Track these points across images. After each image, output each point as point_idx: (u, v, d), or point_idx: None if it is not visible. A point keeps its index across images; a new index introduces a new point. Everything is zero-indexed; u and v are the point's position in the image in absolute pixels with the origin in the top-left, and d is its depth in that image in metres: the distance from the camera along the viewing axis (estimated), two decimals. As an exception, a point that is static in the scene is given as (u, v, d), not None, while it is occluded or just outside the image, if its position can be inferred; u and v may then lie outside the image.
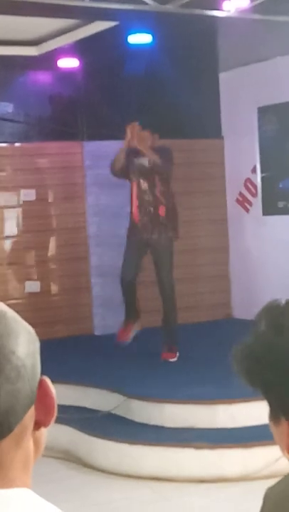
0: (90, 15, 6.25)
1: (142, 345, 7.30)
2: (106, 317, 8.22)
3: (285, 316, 1.29)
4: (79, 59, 7.93)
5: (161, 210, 6.72)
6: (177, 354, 6.73)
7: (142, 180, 6.72)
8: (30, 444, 1.00)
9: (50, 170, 8.26)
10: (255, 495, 1.52)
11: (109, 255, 7.97)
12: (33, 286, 8.18)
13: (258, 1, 5.82)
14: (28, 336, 1.00)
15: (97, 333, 8.25)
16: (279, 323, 1.28)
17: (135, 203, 6.74)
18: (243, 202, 8.70)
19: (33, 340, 1.00)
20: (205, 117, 8.66)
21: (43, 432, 1.02)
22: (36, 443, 1.01)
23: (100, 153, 8.12)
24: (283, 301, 1.32)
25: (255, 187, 8.53)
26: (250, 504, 1.96)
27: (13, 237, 8.15)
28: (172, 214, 6.78)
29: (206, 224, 8.75)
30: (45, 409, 1.00)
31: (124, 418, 5.79)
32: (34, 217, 8.19)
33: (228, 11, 5.88)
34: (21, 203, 8.16)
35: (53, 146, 8.27)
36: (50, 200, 8.29)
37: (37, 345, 1.01)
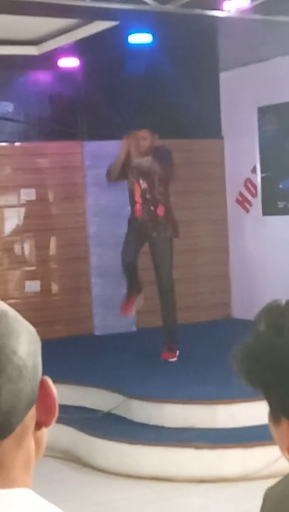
0: (90, 15, 6.25)
1: (142, 345, 7.30)
2: (106, 317, 8.22)
3: (285, 317, 1.29)
4: (79, 59, 7.92)
5: (160, 210, 6.73)
6: (177, 354, 6.73)
7: (141, 180, 6.73)
8: (31, 444, 1.00)
9: (50, 170, 8.26)
10: (255, 495, 1.52)
11: (109, 255, 7.97)
12: (33, 285, 8.18)
13: (258, 1, 5.82)
14: (29, 335, 1.00)
15: (97, 333, 8.25)
16: (279, 323, 1.28)
17: (138, 200, 6.75)
18: (243, 202, 8.70)
19: (34, 340, 1.00)
20: (205, 117, 8.66)
21: (44, 432, 1.02)
22: (37, 443, 1.01)
23: (100, 153, 8.12)
24: (283, 302, 1.32)
25: (255, 187, 8.53)
26: (250, 504, 1.97)
27: (13, 236, 8.15)
28: (170, 214, 6.79)
29: (206, 224, 8.76)
30: (47, 409, 1.00)
31: (124, 418, 5.79)
32: (34, 217, 8.19)
33: (229, 11, 5.88)
34: (21, 202, 8.16)
35: (53, 146, 8.27)
36: (50, 200, 8.29)
37: (38, 344, 1.01)
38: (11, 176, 8.13)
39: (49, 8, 5.70)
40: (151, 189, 6.71)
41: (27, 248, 8.21)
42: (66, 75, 8.18)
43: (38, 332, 1.03)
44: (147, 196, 6.72)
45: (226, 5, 5.86)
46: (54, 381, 1.03)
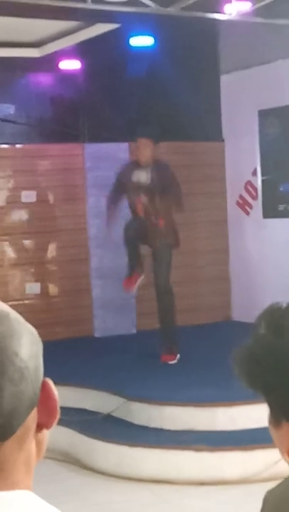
0: (91, 17, 6.26)
1: (142, 347, 7.30)
2: (106, 319, 8.22)
3: (286, 319, 1.29)
4: (80, 61, 7.94)
5: (161, 222, 6.69)
6: (177, 356, 6.73)
7: (142, 195, 6.69)
8: (32, 446, 1.00)
9: (51, 171, 8.27)
10: (254, 497, 1.52)
11: (110, 257, 7.97)
12: (33, 287, 8.18)
13: (259, 4, 5.83)
14: (31, 337, 1.00)
15: (97, 335, 8.25)
16: (279, 325, 1.28)
17: (142, 214, 6.74)
18: (244, 204, 8.70)
19: (36, 342, 1.00)
20: (206, 120, 8.66)
21: (45, 433, 1.02)
22: (38, 445, 1.01)
23: (100, 155, 8.12)
24: (284, 304, 1.32)
25: (256, 190, 8.53)
26: (250, 507, 1.97)
27: (13, 238, 8.15)
28: (171, 226, 6.74)
29: (207, 226, 8.76)
30: (48, 411, 1.00)
31: (124, 420, 5.79)
32: (35, 218, 8.19)
33: (230, 13, 5.89)
34: (22, 204, 8.16)
35: (54, 148, 8.28)
36: (50, 202, 8.29)
37: (40, 346, 1.01)
38: (11, 178, 8.14)
39: (51, 10, 5.71)
40: (152, 203, 6.68)
41: (27, 250, 8.21)
42: (67, 77, 8.19)
43: (38, 334, 1.03)
44: (148, 210, 6.69)
45: (227, 8, 5.86)
46: (54, 383, 1.03)
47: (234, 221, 8.81)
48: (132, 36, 7.01)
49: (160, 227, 6.69)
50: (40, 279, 8.22)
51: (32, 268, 8.21)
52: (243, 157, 8.59)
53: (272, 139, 8.31)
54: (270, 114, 8.24)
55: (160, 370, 6.50)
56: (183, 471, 5.18)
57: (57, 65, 7.95)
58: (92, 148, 8.25)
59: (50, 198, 8.29)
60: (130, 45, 7.14)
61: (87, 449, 5.59)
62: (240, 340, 1.32)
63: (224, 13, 5.93)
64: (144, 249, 6.80)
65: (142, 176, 6.71)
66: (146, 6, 5.70)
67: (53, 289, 8.31)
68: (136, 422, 5.72)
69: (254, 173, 8.50)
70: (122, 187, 6.84)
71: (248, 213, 8.67)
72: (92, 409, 6.04)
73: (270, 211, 8.37)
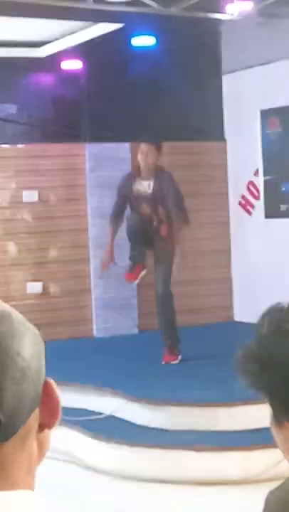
0: (93, 17, 6.26)
1: (143, 348, 7.29)
2: (107, 319, 8.22)
3: (288, 320, 1.29)
4: (82, 61, 7.93)
5: (163, 230, 6.65)
6: (179, 357, 6.73)
7: (143, 206, 6.65)
8: (34, 446, 1.00)
9: (53, 172, 8.27)
10: (256, 498, 1.52)
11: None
12: (34, 287, 8.19)
13: (261, 4, 5.82)
14: (33, 337, 1.00)
15: (98, 335, 8.25)
16: (282, 326, 1.28)
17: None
18: (246, 205, 8.69)
19: (38, 342, 1.00)
20: (208, 120, 8.65)
21: (47, 434, 1.02)
22: (40, 445, 1.01)
23: (102, 156, 8.12)
24: (286, 305, 1.32)
25: (258, 190, 8.53)
26: (252, 507, 1.96)
27: (14, 238, 8.15)
28: (172, 235, 6.66)
29: (209, 226, 8.75)
30: (50, 411, 1.00)
31: (125, 420, 5.79)
32: (36, 218, 8.19)
33: (232, 14, 5.89)
34: (23, 204, 8.16)
35: (55, 148, 8.28)
36: (52, 202, 8.29)
37: (42, 347, 1.01)
38: (13, 178, 8.14)
39: (52, 10, 5.71)
40: (155, 212, 6.64)
41: (29, 250, 8.21)
42: (69, 77, 8.19)
43: (40, 334, 1.03)
44: (148, 226, 6.61)
45: (229, 8, 5.86)
46: (55, 383, 1.03)
47: (236, 221, 8.80)
48: (133, 36, 7.00)
49: (162, 235, 6.64)
50: (42, 278, 8.23)
51: (33, 268, 8.21)
52: (245, 157, 8.59)
53: (275, 138, 8.30)
54: (272, 114, 8.24)
55: (161, 371, 6.50)
56: (184, 472, 5.18)
57: (59, 65, 7.94)
58: (94, 149, 8.25)
59: (52, 198, 8.29)
60: (132, 45, 7.14)
61: (88, 449, 5.59)
62: (242, 341, 1.32)
63: (226, 13, 5.92)
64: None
65: (143, 186, 6.68)
66: (148, 6, 5.70)
67: (54, 288, 8.31)
68: (137, 422, 5.72)
69: (256, 173, 8.49)
70: (124, 199, 6.80)
71: (250, 213, 8.66)
72: (93, 409, 6.04)
73: (273, 211, 8.36)
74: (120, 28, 6.63)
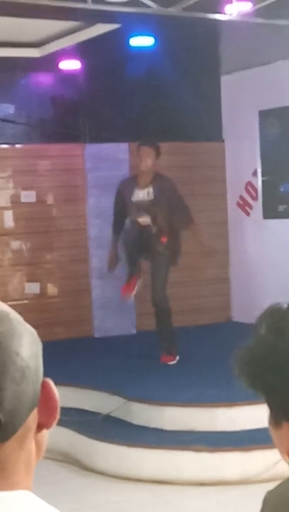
0: (92, 17, 6.26)
1: (142, 348, 7.29)
2: (106, 319, 8.22)
3: (286, 320, 1.29)
4: (81, 61, 7.93)
5: (163, 238, 6.61)
6: (177, 357, 6.72)
7: (141, 217, 6.63)
8: (32, 446, 1.00)
9: (51, 172, 8.26)
10: (254, 498, 1.52)
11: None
12: (33, 287, 8.18)
13: (260, 5, 5.82)
14: (31, 337, 1.00)
15: (96, 335, 8.25)
16: (280, 326, 1.28)
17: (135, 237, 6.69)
18: (244, 205, 8.70)
19: (36, 342, 1.00)
20: (206, 120, 8.66)
21: (45, 434, 1.02)
22: (38, 445, 1.01)
23: (101, 156, 8.12)
24: (284, 305, 1.32)
25: (256, 190, 8.53)
26: (250, 507, 1.96)
27: (13, 238, 8.15)
28: (174, 244, 6.68)
29: (207, 227, 8.74)
30: (48, 411, 1.00)
31: (123, 421, 5.79)
32: (35, 218, 8.19)
33: (231, 14, 5.89)
34: (22, 204, 8.16)
35: (54, 148, 8.28)
36: (50, 202, 8.29)
37: (40, 347, 1.01)
38: (11, 178, 8.14)
39: (51, 10, 5.71)
40: (155, 220, 6.60)
41: (27, 250, 8.21)
42: (68, 77, 8.19)
43: (38, 334, 1.03)
44: (145, 235, 6.57)
45: (227, 8, 5.86)
46: (54, 383, 1.03)
47: (234, 222, 8.81)
48: (132, 36, 7.01)
49: (162, 242, 6.62)
50: (40, 279, 8.22)
51: (32, 268, 8.21)
52: (243, 158, 8.59)
53: (273, 139, 8.31)
54: (271, 115, 8.24)
55: (160, 371, 6.50)
56: (183, 472, 5.18)
57: (57, 65, 7.95)
58: (93, 149, 8.25)
59: (50, 198, 8.29)
60: (130, 46, 7.14)
61: (86, 449, 5.59)
62: (240, 341, 1.32)
63: (225, 14, 5.92)
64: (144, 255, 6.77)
65: (142, 194, 6.66)
66: (147, 6, 5.70)
67: (52, 289, 8.31)
68: (136, 422, 5.72)
69: (254, 173, 8.50)
70: (122, 206, 6.78)
71: (248, 214, 8.67)
72: (91, 409, 6.04)
73: (271, 212, 8.37)
74: (119, 28, 6.63)
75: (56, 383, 1.02)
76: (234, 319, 8.75)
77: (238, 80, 8.57)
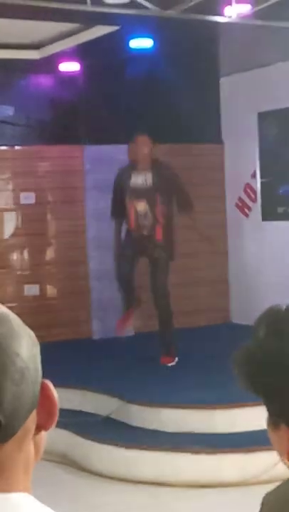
0: (91, 19, 6.27)
1: (141, 350, 7.29)
2: (105, 321, 8.21)
3: (285, 322, 1.29)
4: (80, 63, 7.93)
5: (158, 233, 6.60)
6: (176, 359, 6.73)
7: (137, 202, 6.62)
8: (31, 447, 1.00)
9: (50, 173, 8.27)
10: (253, 500, 1.52)
11: (109, 259, 7.94)
12: (31, 289, 8.18)
13: (259, 7, 5.83)
14: (29, 339, 1.00)
15: (95, 336, 8.25)
16: (279, 328, 1.28)
17: (132, 226, 6.65)
18: (243, 207, 8.70)
19: (34, 344, 1.01)
20: (205, 122, 8.67)
21: (43, 435, 1.02)
22: (36, 446, 1.01)
23: (100, 158, 8.12)
24: (283, 307, 1.32)
25: (255, 192, 8.53)
26: (248, 509, 1.96)
27: (12, 240, 8.15)
28: (170, 236, 6.67)
29: (206, 228, 8.72)
30: (47, 412, 1.00)
31: (122, 422, 5.78)
32: (33, 220, 8.19)
33: (230, 16, 5.89)
34: (21, 206, 8.16)
35: (53, 150, 8.28)
36: (49, 204, 8.29)
37: (38, 348, 1.01)
38: (10, 180, 8.14)
39: (50, 12, 5.71)
40: (152, 209, 6.59)
41: (26, 251, 8.21)
42: (67, 79, 8.19)
43: (37, 335, 1.04)
44: (141, 221, 6.55)
45: (227, 10, 5.86)
46: (52, 385, 1.03)
47: (233, 224, 8.81)
48: (131, 38, 7.01)
49: (157, 241, 6.60)
50: (39, 280, 8.22)
51: (31, 270, 8.21)
52: (242, 159, 8.59)
53: (272, 141, 8.31)
54: (270, 117, 8.25)
55: (158, 372, 6.50)
56: (181, 474, 5.18)
57: (56, 67, 7.95)
58: (92, 151, 8.25)
59: (49, 200, 8.29)
60: (130, 48, 7.14)
61: (85, 451, 5.59)
62: (239, 343, 1.32)
63: (224, 16, 5.93)
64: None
65: (140, 179, 6.64)
66: (146, 8, 5.70)
67: (51, 290, 8.31)
68: (134, 424, 5.72)
69: (253, 175, 8.50)
70: (121, 193, 6.78)
71: (247, 216, 8.67)
72: (90, 411, 6.04)
73: (269, 214, 8.37)
74: (118, 30, 6.63)
75: (55, 385, 1.03)
76: (233, 321, 8.75)
77: (237, 82, 8.58)
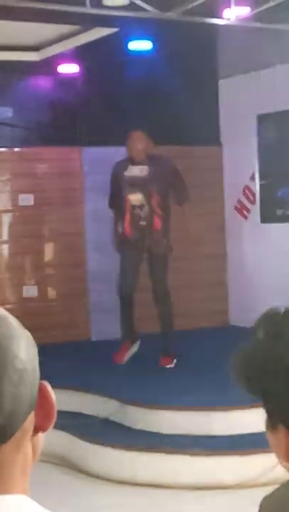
0: (90, 21, 6.27)
1: (140, 351, 7.29)
2: (103, 323, 8.21)
3: (284, 324, 1.29)
4: (79, 65, 7.94)
5: (157, 223, 6.60)
6: (175, 361, 6.73)
7: (133, 194, 6.62)
8: (29, 449, 1.00)
9: (49, 175, 8.27)
10: (251, 503, 1.52)
11: (107, 261, 7.96)
12: (30, 291, 8.18)
13: (258, 9, 5.83)
14: (28, 340, 1.00)
15: (93, 338, 8.25)
16: (278, 331, 1.28)
17: (127, 217, 6.66)
18: (242, 209, 8.70)
19: (32, 345, 1.01)
20: (204, 124, 8.67)
21: (41, 437, 1.02)
22: (34, 448, 1.01)
23: (98, 159, 8.12)
24: (282, 309, 1.32)
25: (254, 194, 8.54)
26: (246, 512, 1.96)
27: (10, 241, 8.15)
28: (167, 228, 6.67)
29: (204, 230, 8.75)
30: (45, 414, 1.00)
31: (120, 424, 5.78)
32: (32, 222, 8.19)
33: (229, 18, 5.89)
34: (19, 207, 8.16)
35: (51, 152, 8.28)
36: (48, 206, 8.29)
37: (35, 350, 1.01)
38: (9, 181, 8.14)
39: (49, 14, 5.71)
40: (148, 200, 6.60)
41: (25, 253, 8.20)
42: (66, 80, 8.20)
43: (35, 337, 1.04)
44: (137, 212, 6.56)
45: (226, 13, 5.87)
46: (51, 386, 1.03)
47: (232, 226, 8.81)
48: (130, 40, 7.01)
49: (154, 231, 6.61)
50: (38, 282, 8.22)
51: (29, 271, 8.21)
52: (241, 162, 8.60)
53: (271, 143, 8.32)
54: (269, 119, 8.25)
55: (157, 374, 6.49)
56: (179, 476, 5.18)
57: (55, 69, 7.95)
58: (90, 152, 8.25)
59: (48, 201, 8.29)
60: (129, 50, 7.15)
61: (83, 452, 5.59)
62: (237, 346, 1.32)
63: (223, 18, 5.93)
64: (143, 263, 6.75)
65: (136, 170, 6.65)
66: (145, 10, 5.71)
67: (50, 292, 8.31)
68: (133, 426, 5.71)
69: (252, 177, 8.51)
70: (117, 186, 6.79)
71: (245, 218, 8.67)
72: (88, 413, 6.04)
73: (268, 216, 8.37)
74: (117, 32, 6.63)
75: (53, 386, 1.03)
76: (232, 323, 8.75)
77: (236, 84, 8.58)
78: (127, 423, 5.75)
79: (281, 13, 5.94)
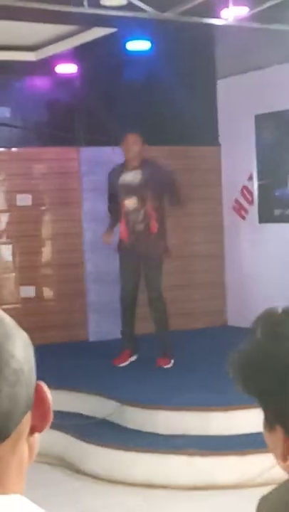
0: (88, 21, 6.27)
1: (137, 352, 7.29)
2: (101, 323, 8.21)
3: (282, 324, 1.29)
4: (77, 65, 7.94)
5: (153, 226, 6.60)
6: (172, 361, 6.73)
7: (128, 199, 6.63)
8: (25, 449, 1.00)
9: (47, 175, 8.26)
10: (248, 503, 1.52)
11: (105, 261, 7.96)
12: (28, 291, 8.17)
13: (256, 10, 5.83)
14: (23, 340, 1.00)
15: (91, 339, 8.25)
16: (276, 331, 1.28)
17: (123, 221, 6.67)
18: (240, 209, 8.70)
19: (28, 345, 1.01)
20: (202, 124, 8.67)
21: (37, 437, 1.02)
22: (30, 448, 1.01)
23: (96, 159, 8.12)
24: (280, 309, 1.32)
25: (252, 194, 8.54)
26: (244, 512, 1.96)
27: (8, 242, 8.14)
28: (163, 231, 6.67)
29: (202, 231, 8.76)
30: (41, 414, 1.00)
31: (118, 425, 5.78)
32: (30, 222, 8.18)
33: (227, 19, 5.89)
34: (17, 207, 8.15)
35: (49, 152, 8.28)
36: (46, 206, 8.29)
37: (32, 350, 1.01)
38: (6, 181, 8.13)
39: (47, 14, 5.71)
40: (143, 204, 6.61)
41: (22, 253, 8.20)
42: (64, 81, 8.20)
43: (33, 337, 1.03)
44: (133, 217, 6.56)
45: (224, 13, 5.87)
46: (48, 387, 1.03)
47: (230, 226, 8.81)
48: (128, 41, 7.01)
49: (151, 235, 6.60)
50: (35, 282, 8.22)
51: (27, 272, 8.20)
52: (239, 162, 8.60)
53: (269, 143, 8.32)
54: (267, 119, 8.26)
55: (154, 375, 6.49)
56: (176, 476, 5.18)
57: (53, 69, 7.95)
58: (88, 153, 8.25)
59: (46, 201, 8.29)
60: (127, 50, 7.15)
61: (80, 453, 5.58)
62: (235, 346, 1.31)
63: (221, 18, 5.93)
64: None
65: (129, 177, 6.65)
66: (144, 10, 5.70)
67: (47, 292, 8.30)
68: (130, 426, 5.71)
69: (250, 177, 8.51)
70: (113, 192, 6.80)
71: (243, 218, 8.67)
72: (86, 413, 6.03)
73: (266, 216, 8.38)
74: (115, 33, 6.63)
75: (50, 387, 1.02)
76: (229, 323, 8.75)
77: (234, 84, 8.58)
78: (125, 423, 5.75)
79: (279, 13, 5.95)
